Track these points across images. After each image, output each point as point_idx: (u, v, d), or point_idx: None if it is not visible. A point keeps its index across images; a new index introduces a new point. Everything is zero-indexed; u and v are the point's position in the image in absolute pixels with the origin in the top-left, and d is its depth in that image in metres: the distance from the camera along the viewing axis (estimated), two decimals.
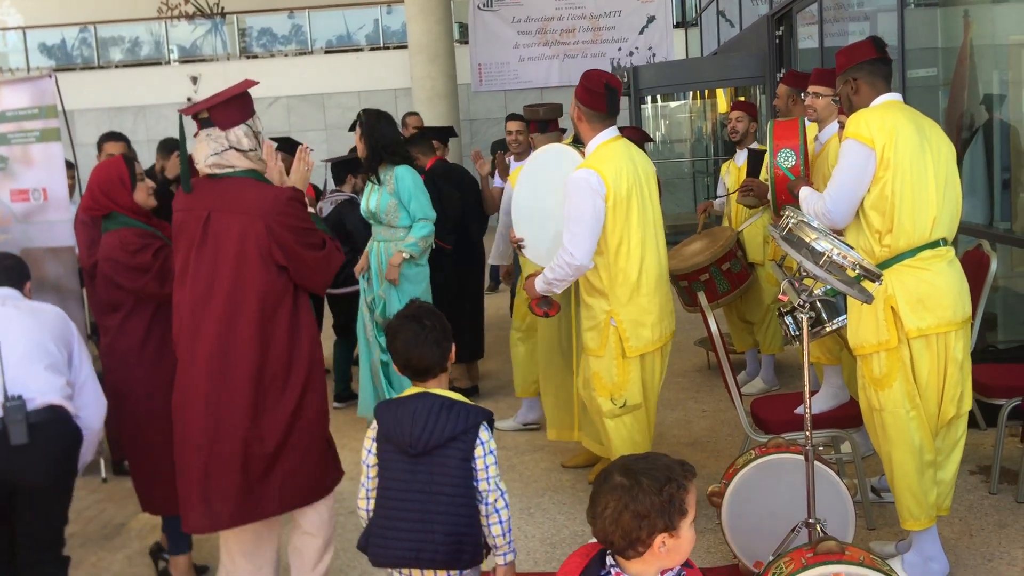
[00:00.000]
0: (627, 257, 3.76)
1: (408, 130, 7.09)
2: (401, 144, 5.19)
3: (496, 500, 2.57)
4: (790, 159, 4.05)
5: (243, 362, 2.98)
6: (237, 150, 3.08)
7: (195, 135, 3.15)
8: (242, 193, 3.04)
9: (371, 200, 5.09)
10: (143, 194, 3.56)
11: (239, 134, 3.08)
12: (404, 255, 5.01)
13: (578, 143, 4.36)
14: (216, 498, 2.99)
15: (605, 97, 3.81)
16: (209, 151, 3.06)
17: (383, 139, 5.03)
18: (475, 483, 2.55)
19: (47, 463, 2.98)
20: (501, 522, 2.58)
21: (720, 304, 5.68)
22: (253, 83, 3.18)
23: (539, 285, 3.95)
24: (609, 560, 2.01)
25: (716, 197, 6.32)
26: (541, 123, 5.25)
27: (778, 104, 5.19)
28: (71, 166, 5.39)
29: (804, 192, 3.61)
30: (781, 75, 9.52)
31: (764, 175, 5.09)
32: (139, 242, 3.43)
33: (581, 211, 3.72)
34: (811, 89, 4.39)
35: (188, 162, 3.17)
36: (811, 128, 4.47)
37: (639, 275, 3.78)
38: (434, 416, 2.53)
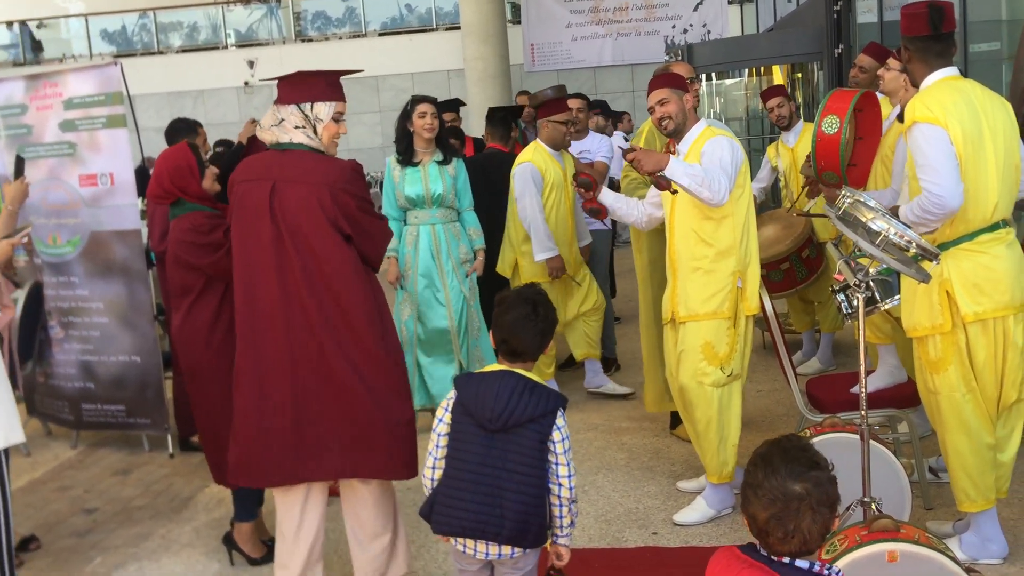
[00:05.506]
0: (751, 219, 3.85)
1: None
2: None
3: (572, 481, 2.64)
4: (833, 126, 4.00)
5: (358, 325, 3.10)
6: (290, 125, 3.20)
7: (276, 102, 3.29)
8: (306, 165, 3.15)
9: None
10: (209, 180, 3.68)
11: (287, 112, 3.18)
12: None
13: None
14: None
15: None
16: (270, 120, 3.21)
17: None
18: (555, 465, 2.61)
19: None
20: (572, 502, 2.65)
21: (798, 291, 5.67)
22: (346, 72, 3.29)
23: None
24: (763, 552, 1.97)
25: (762, 182, 6.01)
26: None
27: (859, 76, 4.80)
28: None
29: (902, 209, 3.30)
30: (839, 51, 9.39)
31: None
32: (210, 223, 3.58)
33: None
34: (888, 61, 4.26)
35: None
36: (885, 104, 4.34)
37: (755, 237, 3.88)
38: (516, 395, 2.58)
